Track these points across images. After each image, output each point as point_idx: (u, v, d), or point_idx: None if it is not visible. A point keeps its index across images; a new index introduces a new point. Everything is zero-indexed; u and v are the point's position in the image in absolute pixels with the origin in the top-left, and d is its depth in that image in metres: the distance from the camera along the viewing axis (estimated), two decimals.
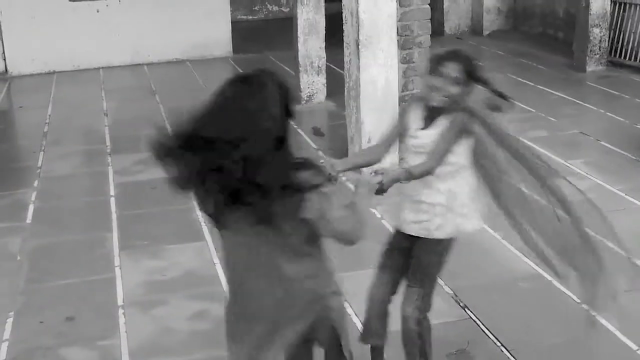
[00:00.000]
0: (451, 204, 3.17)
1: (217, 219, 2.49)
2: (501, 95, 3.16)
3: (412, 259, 3.26)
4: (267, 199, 2.32)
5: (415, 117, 3.21)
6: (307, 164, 2.45)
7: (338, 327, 2.66)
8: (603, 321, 4.00)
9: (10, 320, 4.24)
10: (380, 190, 2.90)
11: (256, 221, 2.38)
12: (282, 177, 2.34)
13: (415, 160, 3.14)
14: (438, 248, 3.23)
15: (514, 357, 3.73)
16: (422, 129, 3.17)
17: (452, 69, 3.08)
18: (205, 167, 2.35)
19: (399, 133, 3.28)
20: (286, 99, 2.46)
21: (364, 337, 3.41)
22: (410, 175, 3.03)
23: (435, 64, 3.12)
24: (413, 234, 3.22)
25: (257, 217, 2.37)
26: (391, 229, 3.45)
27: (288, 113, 2.47)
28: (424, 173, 3.07)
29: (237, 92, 2.46)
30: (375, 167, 3.08)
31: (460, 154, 3.14)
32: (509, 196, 3.30)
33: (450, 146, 3.10)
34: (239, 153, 2.30)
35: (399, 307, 3.28)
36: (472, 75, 3.12)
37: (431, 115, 3.16)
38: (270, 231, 2.42)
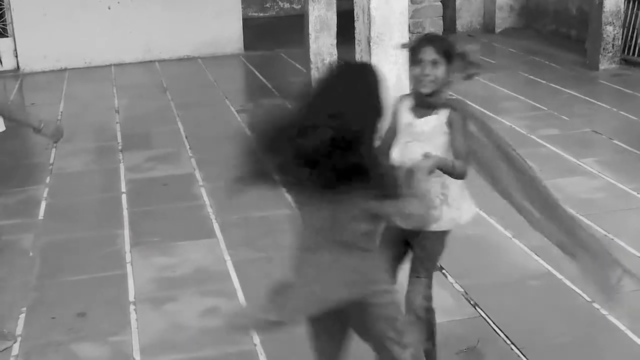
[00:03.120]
0: (446, 196, 3.22)
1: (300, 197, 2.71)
2: (474, 64, 3.23)
3: (417, 250, 3.31)
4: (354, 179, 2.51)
5: (405, 110, 3.25)
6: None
7: (381, 323, 2.75)
8: (614, 320, 4.00)
9: (22, 316, 4.26)
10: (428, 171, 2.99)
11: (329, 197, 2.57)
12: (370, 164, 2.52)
13: (417, 148, 3.13)
14: (440, 239, 3.30)
15: (524, 355, 3.72)
16: (416, 117, 3.21)
17: (429, 53, 3.13)
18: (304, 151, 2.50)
19: (394, 130, 3.28)
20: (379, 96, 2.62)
21: None
22: (451, 168, 3.07)
23: (412, 54, 3.19)
24: (411, 228, 3.19)
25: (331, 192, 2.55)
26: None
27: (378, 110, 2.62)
28: (460, 172, 3.11)
29: (341, 73, 2.65)
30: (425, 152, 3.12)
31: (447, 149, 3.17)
32: (507, 181, 3.31)
33: (466, 147, 3.15)
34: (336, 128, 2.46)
35: (405, 301, 3.31)
36: (449, 54, 3.17)
37: (422, 104, 3.20)
38: (339, 212, 2.59)
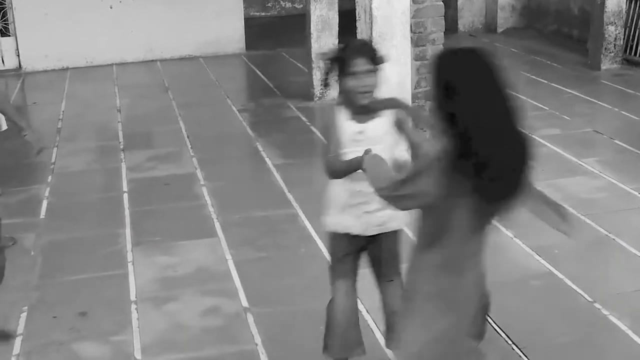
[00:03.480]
0: None
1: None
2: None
3: (383, 254, 3.36)
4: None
5: (344, 117, 3.19)
6: None
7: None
8: (615, 320, 4.00)
9: (24, 315, 4.27)
10: None
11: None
12: None
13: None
14: (399, 237, 3.38)
15: (525, 355, 3.73)
16: (363, 123, 3.18)
17: (362, 64, 3.10)
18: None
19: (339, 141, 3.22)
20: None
21: (345, 351, 3.39)
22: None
23: (342, 65, 3.14)
24: (374, 234, 3.31)
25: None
26: (334, 237, 3.39)
27: None
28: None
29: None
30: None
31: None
32: None
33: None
34: None
35: (382, 305, 3.44)
36: (378, 60, 3.16)
37: (363, 111, 3.17)
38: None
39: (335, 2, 8.31)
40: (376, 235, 3.30)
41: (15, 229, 5.34)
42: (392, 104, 3.21)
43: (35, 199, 5.95)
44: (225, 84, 9.46)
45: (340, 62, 3.16)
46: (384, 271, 3.40)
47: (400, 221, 3.31)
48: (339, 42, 8.32)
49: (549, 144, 6.74)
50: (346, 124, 3.19)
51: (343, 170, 3.15)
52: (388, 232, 3.31)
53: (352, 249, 3.35)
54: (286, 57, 10.84)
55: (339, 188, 3.26)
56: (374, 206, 3.19)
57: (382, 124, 3.19)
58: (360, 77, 3.09)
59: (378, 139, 3.16)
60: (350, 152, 3.13)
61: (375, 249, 3.37)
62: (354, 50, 3.15)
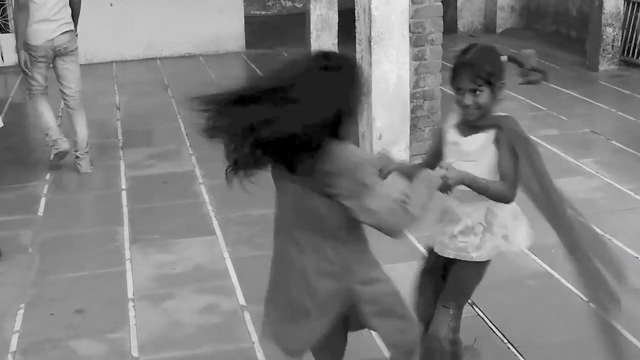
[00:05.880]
0: (490, 224, 3.06)
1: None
2: (536, 70, 3.06)
3: (450, 280, 3.17)
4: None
5: (452, 124, 3.11)
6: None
7: (373, 317, 2.77)
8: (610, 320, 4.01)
9: (21, 312, 4.28)
10: (446, 186, 2.84)
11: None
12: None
13: (461, 167, 2.95)
14: (478, 270, 3.14)
15: (520, 354, 3.74)
16: (462, 135, 3.05)
17: (467, 81, 2.92)
18: (241, 122, 2.59)
19: (440, 143, 3.15)
20: (352, 97, 2.57)
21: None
22: (483, 187, 2.93)
23: (454, 76, 2.98)
24: (450, 257, 3.13)
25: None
26: (425, 249, 3.40)
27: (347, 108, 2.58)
28: (498, 194, 2.96)
29: (308, 66, 2.63)
30: (443, 162, 3.01)
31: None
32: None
33: (513, 168, 2.97)
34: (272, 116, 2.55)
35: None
36: (493, 74, 2.93)
37: (467, 124, 3.04)
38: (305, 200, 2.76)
39: (334, 1, 8.34)
40: (453, 259, 3.13)
41: (13, 226, 5.36)
42: (503, 122, 3.00)
43: (33, 196, 5.95)
44: (224, 82, 9.43)
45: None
46: (443, 295, 3.19)
47: (487, 253, 3.09)
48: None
49: (546, 144, 6.75)
50: (450, 132, 3.08)
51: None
52: (466, 261, 3.09)
53: (430, 266, 3.27)
54: (286, 56, 10.84)
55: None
56: (458, 229, 3.07)
57: (480, 141, 3.00)
58: (463, 93, 2.94)
59: (471, 155, 3.01)
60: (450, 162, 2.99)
61: (450, 271, 3.18)
62: (459, 64, 2.96)
